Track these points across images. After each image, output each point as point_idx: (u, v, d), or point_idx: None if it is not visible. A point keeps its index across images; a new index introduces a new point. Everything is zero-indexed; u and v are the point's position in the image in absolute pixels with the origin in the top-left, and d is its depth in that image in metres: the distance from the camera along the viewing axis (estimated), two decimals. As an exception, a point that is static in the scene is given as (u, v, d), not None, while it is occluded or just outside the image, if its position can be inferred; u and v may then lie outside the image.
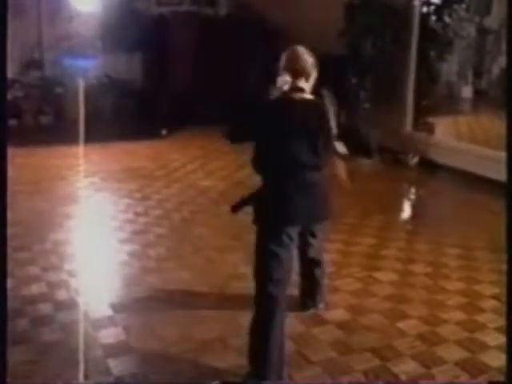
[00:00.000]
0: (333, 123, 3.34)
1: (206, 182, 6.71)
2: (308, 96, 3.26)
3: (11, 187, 6.31)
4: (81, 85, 6.94)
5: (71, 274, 4.28)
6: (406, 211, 6.25)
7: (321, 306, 3.89)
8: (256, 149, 3.19)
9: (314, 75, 3.31)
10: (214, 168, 7.25)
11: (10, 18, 9.35)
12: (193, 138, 8.77)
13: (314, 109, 3.25)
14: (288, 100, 3.19)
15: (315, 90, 3.38)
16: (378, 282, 4.27)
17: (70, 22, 10.03)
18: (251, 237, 4.66)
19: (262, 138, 3.15)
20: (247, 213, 3.19)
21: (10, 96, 10.35)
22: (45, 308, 3.80)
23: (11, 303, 3.76)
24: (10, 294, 3.86)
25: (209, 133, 8.82)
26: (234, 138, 3.24)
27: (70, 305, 3.82)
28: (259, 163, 3.19)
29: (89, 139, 7.43)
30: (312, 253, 3.70)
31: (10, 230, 4.97)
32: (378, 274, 4.40)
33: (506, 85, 2.55)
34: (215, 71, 8.89)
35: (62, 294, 3.97)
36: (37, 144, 8.37)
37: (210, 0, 11.97)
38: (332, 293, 4.05)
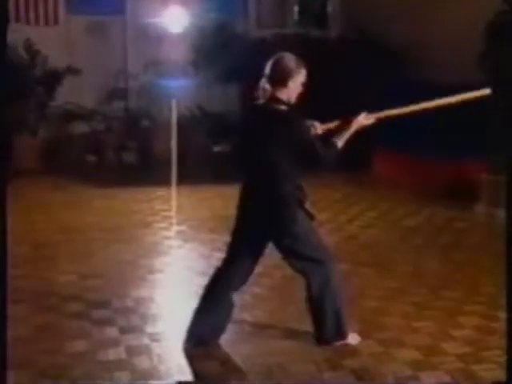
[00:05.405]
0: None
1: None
2: (280, 107, 3.97)
3: (89, 234, 6.63)
4: (173, 117, 7.15)
5: (154, 338, 4.36)
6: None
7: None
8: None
9: (293, 82, 3.98)
10: (323, 220, 7.22)
11: (92, 42, 9.82)
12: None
13: (280, 120, 3.97)
14: (256, 110, 4.10)
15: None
16: None
17: (159, 45, 10.42)
18: (366, 302, 4.59)
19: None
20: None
21: (88, 129, 10.86)
22: (123, 377, 3.86)
23: (85, 368, 3.89)
24: (83, 357, 4.02)
25: (319, 177, 8.86)
26: None
27: (152, 374, 3.87)
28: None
29: (177, 180, 7.71)
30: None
31: (86, 283, 5.27)
32: None
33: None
34: (326, 102, 8.96)
35: (142, 362, 4.04)
36: (118, 185, 8.71)
37: (320, 20, 12.16)
38: (470, 379, 3.91)
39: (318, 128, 4.26)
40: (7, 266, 2.96)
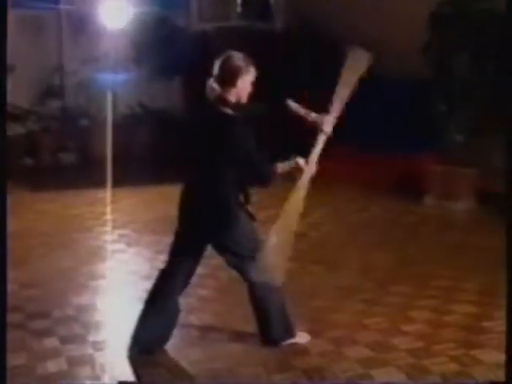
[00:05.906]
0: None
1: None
2: (227, 110, 3.96)
3: (27, 240, 6.53)
4: (108, 113, 7.11)
5: (96, 346, 4.32)
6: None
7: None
8: None
9: (242, 81, 3.97)
10: (266, 218, 7.20)
11: (25, 36, 9.62)
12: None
13: (224, 124, 3.97)
14: (203, 110, 4.09)
15: None
16: (478, 363, 4.15)
17: (97, 40, 10.32)
18: (315, 302, 4.62)
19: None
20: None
21: (24, 130, 10.67)
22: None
23: (24, 382, 3.83)
24: (22, 371, 3.95)
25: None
26: None
27: (96, 385, 3.85)
28: None
29: (119, 182, 7.66)
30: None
31: (25, 292, 5.18)
32: (478, 353, 4.28)
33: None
34: (272, 98, 9.00)
35: (85, 372, 4.00)
36: (57, 188, 8.58)
37: (263, 13, 12.20)
38: (422, 373, 3.97)
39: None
40: (7, 269, 2.91)
